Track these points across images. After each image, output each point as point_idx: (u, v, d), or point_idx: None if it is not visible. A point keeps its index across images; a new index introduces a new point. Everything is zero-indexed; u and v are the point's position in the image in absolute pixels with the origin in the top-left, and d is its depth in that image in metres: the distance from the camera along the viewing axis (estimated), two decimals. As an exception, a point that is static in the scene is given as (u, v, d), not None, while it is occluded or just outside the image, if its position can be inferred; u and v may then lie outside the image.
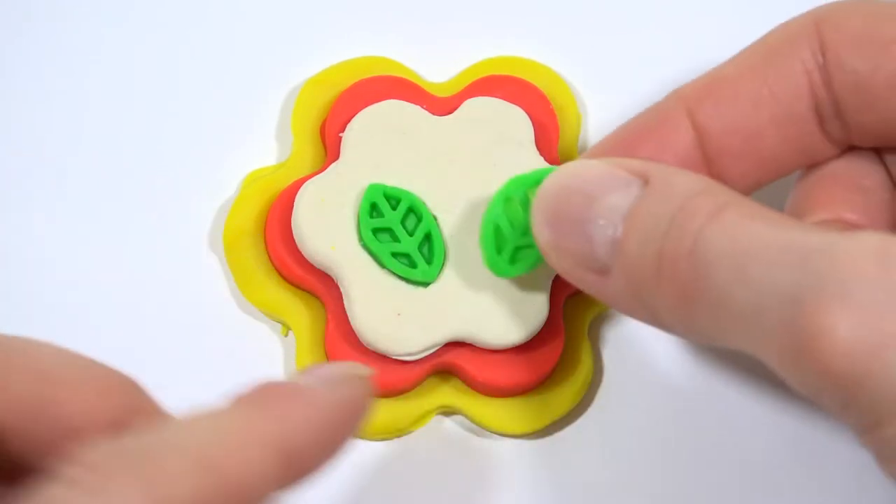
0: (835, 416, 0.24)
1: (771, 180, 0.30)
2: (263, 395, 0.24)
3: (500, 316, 0.32)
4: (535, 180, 0.31)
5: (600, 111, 0.36)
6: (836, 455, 0.33)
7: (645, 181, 0.27)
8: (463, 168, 0.33)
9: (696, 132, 0.29)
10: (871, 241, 0.24)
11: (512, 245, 0.31)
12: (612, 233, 0.27)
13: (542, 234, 0.29)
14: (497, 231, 0.31)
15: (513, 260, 0.31)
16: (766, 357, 0.25)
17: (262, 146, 0.36)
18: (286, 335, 0.34)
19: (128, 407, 0.25)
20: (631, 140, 0.30)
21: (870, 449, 0.24)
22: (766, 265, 0.24)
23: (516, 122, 0.34)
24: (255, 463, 0.23)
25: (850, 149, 0.30)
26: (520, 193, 0.31)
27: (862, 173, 0.30)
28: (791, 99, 0.29)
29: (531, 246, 0.31)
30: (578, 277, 0.29)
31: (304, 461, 0.24)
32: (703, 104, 0.29)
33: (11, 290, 0.34)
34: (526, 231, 0.31)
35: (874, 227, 0.29)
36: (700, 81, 0.30)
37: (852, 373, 0.23)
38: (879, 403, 0.23)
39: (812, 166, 0.30)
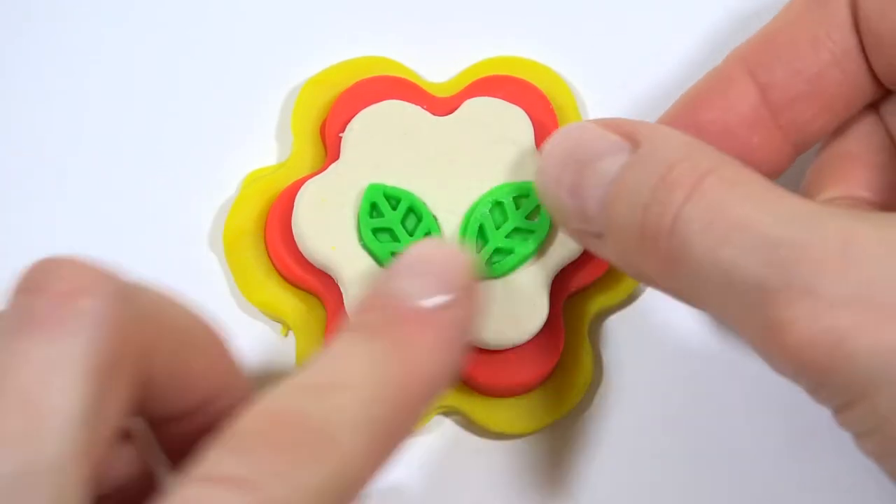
0: (811, 396, 0.25)
1: (838, 123, 0.31)
2: (390, 326, 0.26)
3: (499, 316, 0.32)
4: (524, 188, 0.33)
5: (600, 111, 0.36)
6: (837, 457, 0.33)
7: (635, 144, 0.28)
8: (463, 168, 0.33)
9: (758, 88, 0.30)
10: (835, 232, 0.24)
11: (492, 247, 0.32)
12: (601, 198, 0.28)
13: (542, 196, 0.30)
14: (481, 230, 0.32)
15: (489, 262, 0.32)
16: (742, 335, 0.26)
17: (262, 146, 0.36)
18: (286, 335, 0.34)
19: (229, 370, 0.27)
20: (696, 105, 0.31)
21: (845, 427, 0.25)
22: (738, 251, 0.25)
23: (516, 122, 0.34)
24: (409, 413, 0.25)
25: (888, 93, 0.31)
26: (508, 199, 0.32)
27: (875, 149, 0.31)
28: (844, 35, 0.30)
29: (509, 252, 0.32)
30: (579, 239, 0.30)
31: (432, 392, 0.26)
32: (762, 56, 0.30)
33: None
34: (508, 235, 0.32)
35: (886, 202, 0.30)
36: (755, 38, 0.31)
37: (818, 362, 0.24)
38: (846, 388, 0.24)
39: (837, 135, 0.31)
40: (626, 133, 0.28)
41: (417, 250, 0.28)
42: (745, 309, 0.25)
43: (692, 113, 0.30)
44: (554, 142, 0.29)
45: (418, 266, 0.27)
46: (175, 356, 0.25)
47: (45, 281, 0.24)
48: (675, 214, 0.26)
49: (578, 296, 0.34)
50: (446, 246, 0.28)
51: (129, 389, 0.24)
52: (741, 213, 0.25)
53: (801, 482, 0.33)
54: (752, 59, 0.30)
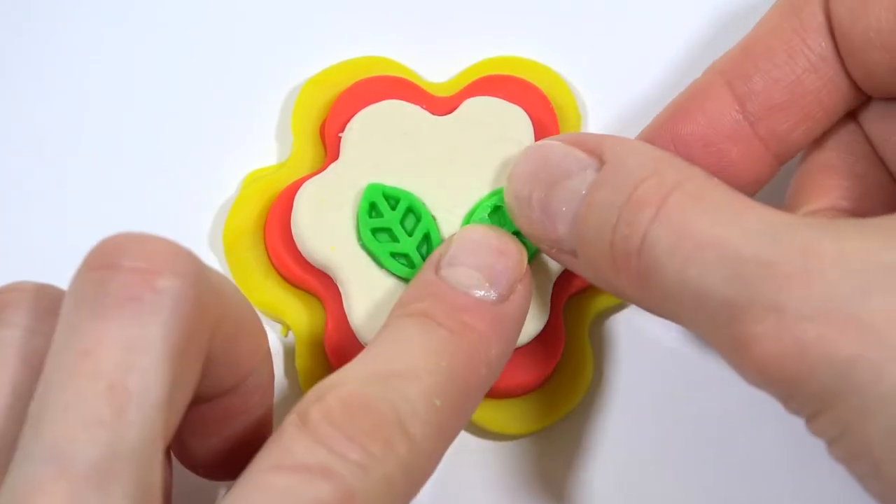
0: (783, 406, 0.26)
1: (820, 131, 0.31)
2: (448, 313, 0.27)
3: (499, 316, 0.32)
4: None
5: (600, 111, 0.36)
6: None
7: (601, 161, 0.28)
8: (462, 168, 0.33)
9: (736, 99, 0.30)
10: (798, 246, 0.25)
11: None
12: (571, 218, 0.28)
13: (514, 217, 0.30)
14: None
15: None
16: (714, 348, 0.26)
17: (262, 146, 0.36)
18: (286, 335, 0.34)
19: (266, 353, 0.27)
20: (675, 119, 0.31)
21: (815, 435, 0.25)
22: (704, 269, 0.25)
23: (516, 121, 0.34)
24: (468, 401, 0.26)
25: (869, 99, 0.31)
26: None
27: (855, 158, 0.31)
28: (820, 42, 0.30)
29: None
30: (555, 257, 0.30)
31: (489, 381, 0.28)
32: (740, 67, 0.30)
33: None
34: None
35: (867, 211, 0.30)
36: (733, 50, 0.31)
37: (784, 375, 0.24)
38: (812, 399, 0.25)
39: (817, 145, 0.31)
40: (592, 149, 0.28)
41: (470, 237, 0.28)
42: (714, 325, 0.25)
43: (672, 127, 0.31)
44: (521, 163, 0.30)
45: (472, 257, 0.28)
46: (231, 336, 0.26)
47: (117, 257, 0.23)
48: (643, 234, 0.26)
49: (579, 297, 0.34)
50: (497, 234, 0.29)
51: (197, 369, 0.24)
52: (706, 230, 0.26)
53: (802, 483, 0.33)
54: (729, 71, 0.30)
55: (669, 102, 0.31)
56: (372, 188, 0.33)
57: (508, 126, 0.34)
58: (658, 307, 0.27)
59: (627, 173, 0.27)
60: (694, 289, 0.25)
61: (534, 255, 0.32)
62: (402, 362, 0.26)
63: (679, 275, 0.26)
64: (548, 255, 0.30)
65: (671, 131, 0.30)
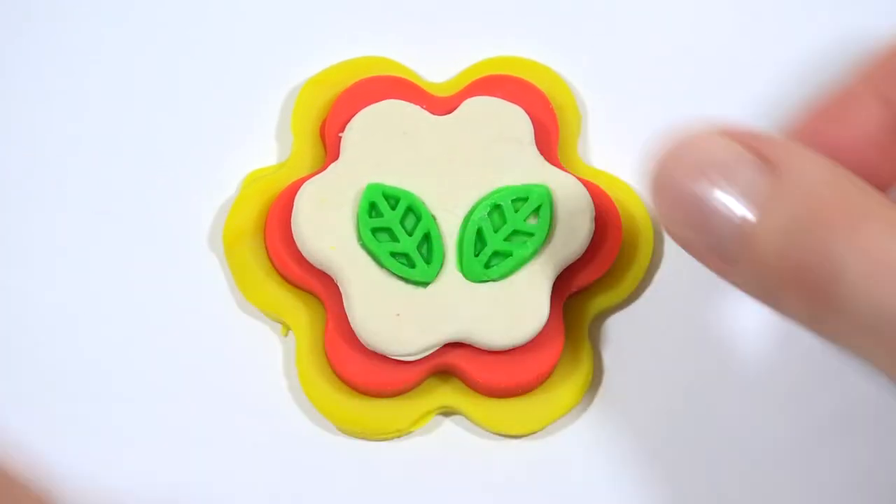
0: None
1: None
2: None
3: (499, 316, 0.32)
4: (524, 192, 0.33)
5: (600, 111, 0.36)
6: (836, 457, 0.33)
7: (771, 165, 0.26)
8: (462, 167, 0.33)
9: (887, 108, 0.29)
10: None
11: (491, 249, 0.32)
12: (738, 224, 0.26)
13: (660, 212, 0.27)
14: (479, 234, 0.32)
15: (487, 265, 0.32)
16: (886, 371, 0.25)
17: (262, 146, 0.36)
18: (286, 335, 0.34)
19: None
20: (818, 123, 0.29)
21: None
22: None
23: (516, 121, 0.34)
24: None
25: None
26: (507, 202, 0.33)
27: None
28: None
29: (508, 255, 0.32)
30: (702, 261, 0.27)
31: None
32: (892, 74, 0.29)
33: (11, 291, 0.34)
34: (506, 238, 0.32)
35: None
36: (883, 54, 0.29)
37: None
38: None
39: None
40: (758, 148, 0.26)
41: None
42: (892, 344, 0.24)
43: (813, 130, 0.29)
44: (672, 149, 0.27)
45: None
46: None
47: None
48: (834, 258, 0.25)
49: (579, 296, 0.34)
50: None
51: None
52: None
53: (801, 483, 0.33)
54: (880, 78, 0.29)
55: (811, 105, 0.30)
56: (372, 188, 0.33)
57: (508, 126, 0.34)
58: (835, 335, 0.26)
59: (810, 187, 0.25)
60: (879, 307, 0.24)
61: (533, 253, 0.32)
62: None
63: (875, 303, 0.24)
64: (696, 257, 0.27)
65: (812, 135, 0.29)
